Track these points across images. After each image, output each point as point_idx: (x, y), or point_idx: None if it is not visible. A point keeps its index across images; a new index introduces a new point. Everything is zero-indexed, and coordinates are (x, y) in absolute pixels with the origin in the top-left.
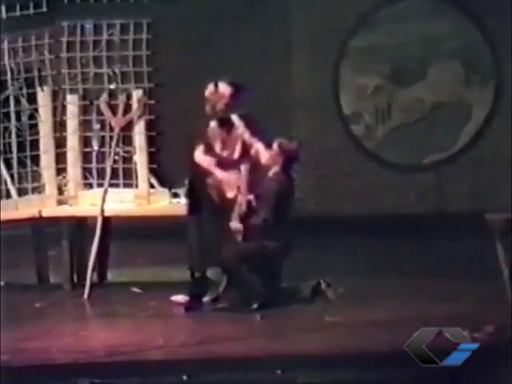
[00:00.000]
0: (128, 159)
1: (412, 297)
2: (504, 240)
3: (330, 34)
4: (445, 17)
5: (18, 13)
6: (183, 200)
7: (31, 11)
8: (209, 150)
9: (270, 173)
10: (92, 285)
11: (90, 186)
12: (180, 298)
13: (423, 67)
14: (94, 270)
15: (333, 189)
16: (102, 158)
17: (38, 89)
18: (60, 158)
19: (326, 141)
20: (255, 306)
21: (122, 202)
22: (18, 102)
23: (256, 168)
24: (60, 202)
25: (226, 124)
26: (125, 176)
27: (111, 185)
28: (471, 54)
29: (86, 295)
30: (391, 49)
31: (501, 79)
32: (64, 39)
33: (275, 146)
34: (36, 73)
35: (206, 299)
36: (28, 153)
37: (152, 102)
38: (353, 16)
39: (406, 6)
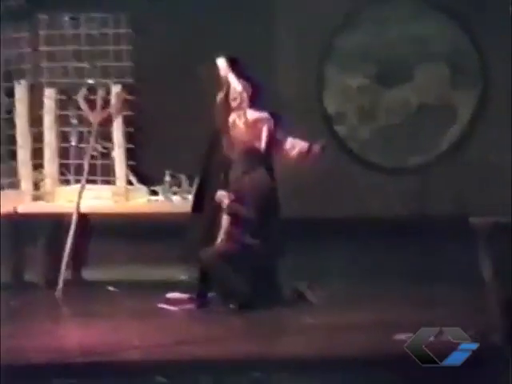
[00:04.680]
0: (106, 155)
1: (395, 300)
2: (487, 244)
3: (315, 33)
4: (432, 18)
5: None
6: (161, 197)
7: (11, 3)
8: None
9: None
10: (67, 283)
11: (67, 182)
12: (176, 295)
13: (409, 68)
14: (69, 268)
15: (316, 190)
16: (79, 153)
17: (15, 82)
18: (37, 154)
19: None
20: (233, 306)
21: (100, 198)
22: None
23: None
24: (36, 198)
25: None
26: (103, 172)
27: (89, 181)
28: (457, 56)
29: (59, 293)
30: (377, 49)
31: (487, 82)
32: (42, 32)
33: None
34: (14, 66)
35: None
36: (4, 147)
37: (131, 97)
38: (338, 15)
39: (392, 6)
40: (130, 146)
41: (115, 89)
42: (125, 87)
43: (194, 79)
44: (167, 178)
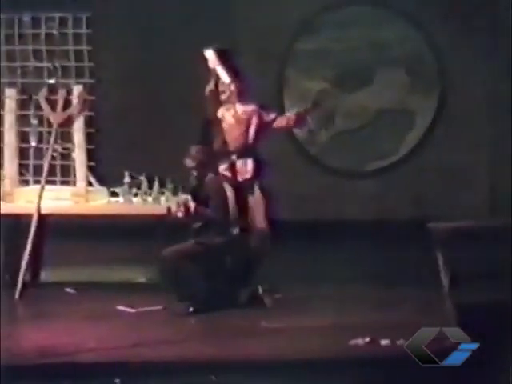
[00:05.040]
0: (66, 156)
1: (351, 304)
2: (444, 249)
3: (276, 37)
4: (391, 24)
5: None
6: (121, 199)
7: None
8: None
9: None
10: (25, 284)
11: (27, 182)
12: None
13: (368, 73)
14: (28, 269)
15: (274, 193)
16: (39, 154)
17: None
18: None
19: (268, 144)
20: (191, 309)
21: (59, 199)
22: None
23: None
24: None
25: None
26: (62, 173)
27: (48, 182)
28: (416, 62)
29: (17, 295)
30: (337, 54)
31: (445, 88)
32: (2, 32)
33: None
34: None
35: None
36: None
37: (92, 97)
38: (299, 19)
39: (352, 11)
40: (91, 146)
41: (76, 89)
42: (85, 87)
43: (154, 80)
44: (127, 179)
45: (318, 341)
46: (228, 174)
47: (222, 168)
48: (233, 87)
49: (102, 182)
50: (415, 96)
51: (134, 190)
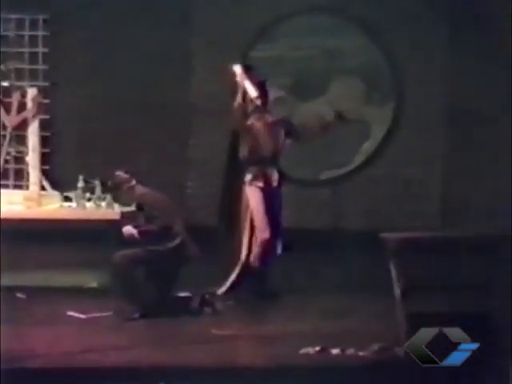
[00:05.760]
0: (20, 159)
1: (303, 312)
2: (397, 259)
3: (230, 45)
4: (347, 33)
5: None
6: (74, 203)
7: None
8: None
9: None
10: None
11: None
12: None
13: (324, 82)
14: None
15: None
16: None
17: None
18: None
19: (224, 152)
20: (136, 315)
21: (11, 203)
22: None
23: None
24: None
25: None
26: (16, 177)
27: (1, 185)
28: (372, 72)
29: None
30: (293, 62)
31: (400, 98)
32: None
33: None
34: None
35: None
36: None
37: (47, 101)
38: (256, 27)
39: (309, 19)
40: (45, 150)
41: (31, 92)
42: (40, 90)
43: (109, 83)
44: (80, 184)
45: (268, 349)
46: (259, 182)
47: (250, 177)
48: (259, 102)
49: (55, 186)
50: (371, 106)
51: (88, 195)
